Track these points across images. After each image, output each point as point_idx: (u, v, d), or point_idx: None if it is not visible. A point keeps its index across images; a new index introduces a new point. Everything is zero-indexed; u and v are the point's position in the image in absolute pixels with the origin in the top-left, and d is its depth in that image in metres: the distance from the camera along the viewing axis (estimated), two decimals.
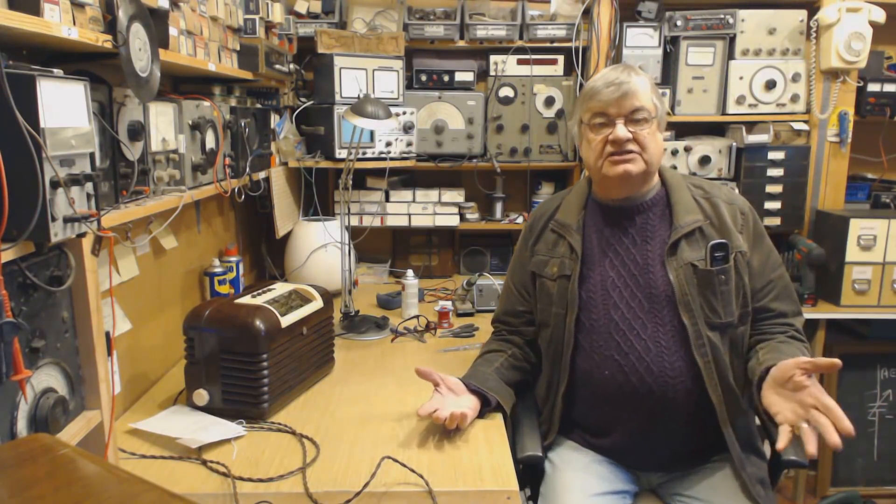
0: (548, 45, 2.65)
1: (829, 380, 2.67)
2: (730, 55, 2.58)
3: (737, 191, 2.49)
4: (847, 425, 1.15)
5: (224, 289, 2.04)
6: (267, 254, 2.61)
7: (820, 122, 2.58)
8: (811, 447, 1.18)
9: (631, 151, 1.45)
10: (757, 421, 1.57)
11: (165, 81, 1.75)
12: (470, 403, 1.46)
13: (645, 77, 1.48)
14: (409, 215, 2.73)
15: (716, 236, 1.48)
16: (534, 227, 1.67)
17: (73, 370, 1.10)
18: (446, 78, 2.70)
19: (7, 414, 0.96)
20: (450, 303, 2.28)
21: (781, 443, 1.22)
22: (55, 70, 0.97)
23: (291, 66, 2.37)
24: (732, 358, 1.47)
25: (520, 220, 2.79)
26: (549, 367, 1.58)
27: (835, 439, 1.15)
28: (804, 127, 2.58)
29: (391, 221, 2.73)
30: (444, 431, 1.41)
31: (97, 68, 1.26)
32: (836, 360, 1.19)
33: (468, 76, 2.72)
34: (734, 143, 2.60)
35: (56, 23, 1.01)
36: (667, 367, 1.43)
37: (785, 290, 1.53)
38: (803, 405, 1.23)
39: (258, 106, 2.22)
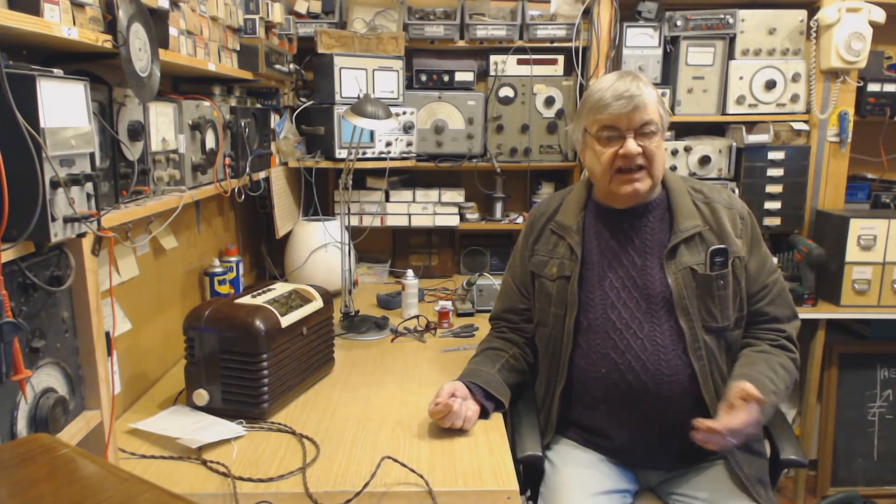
0: (548, 45, 2.65)
1: (829, 379, 2.68)
2: (730, 55, 2.58)
3: (737, 192, 2.50)
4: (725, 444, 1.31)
5: (224, 289, 2.04)
6: (267, 254, 2.61)
7: (820, 122, 2.58)
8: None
9: (640, 168, 1.46)
10: None
11: (165, 81, 1.75)
12: (474, 407, 1.47)
13: (651, 86, 1.47)
14: (409, 215, 2.73)
15: (715, 241, 1.48)
16: (534, 225, 1.67)
17: (73, 370, 1.10)
18: (446, 78, 2.70)
19: (7, 414, 0.96)
20: (450, 303, 2.28)
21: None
22: (55, 70, 0.97)
23: (291, 66, 2.37)
24: (727, 361, 1.48)
25: (520, 220, 2.79)
26: (547, 366, 1.59)
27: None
28: (804, 127, 2.58)
29: (391, 221, 2.73)
30: (444, 431, 1.41)
31: (97, 68, 1.26)
32: (758, 395, 1.31)
33: (468, 76, 2.72)
34: (734, 143, 2.60)
35: (56, 23, 1.01)
36: (662, 365, 1.44)
37: (780, 296, 1.54)
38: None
39: (258, 106, 2.22)
